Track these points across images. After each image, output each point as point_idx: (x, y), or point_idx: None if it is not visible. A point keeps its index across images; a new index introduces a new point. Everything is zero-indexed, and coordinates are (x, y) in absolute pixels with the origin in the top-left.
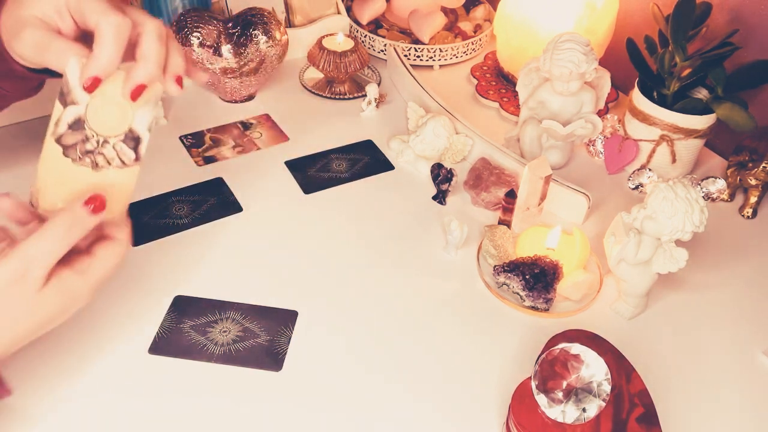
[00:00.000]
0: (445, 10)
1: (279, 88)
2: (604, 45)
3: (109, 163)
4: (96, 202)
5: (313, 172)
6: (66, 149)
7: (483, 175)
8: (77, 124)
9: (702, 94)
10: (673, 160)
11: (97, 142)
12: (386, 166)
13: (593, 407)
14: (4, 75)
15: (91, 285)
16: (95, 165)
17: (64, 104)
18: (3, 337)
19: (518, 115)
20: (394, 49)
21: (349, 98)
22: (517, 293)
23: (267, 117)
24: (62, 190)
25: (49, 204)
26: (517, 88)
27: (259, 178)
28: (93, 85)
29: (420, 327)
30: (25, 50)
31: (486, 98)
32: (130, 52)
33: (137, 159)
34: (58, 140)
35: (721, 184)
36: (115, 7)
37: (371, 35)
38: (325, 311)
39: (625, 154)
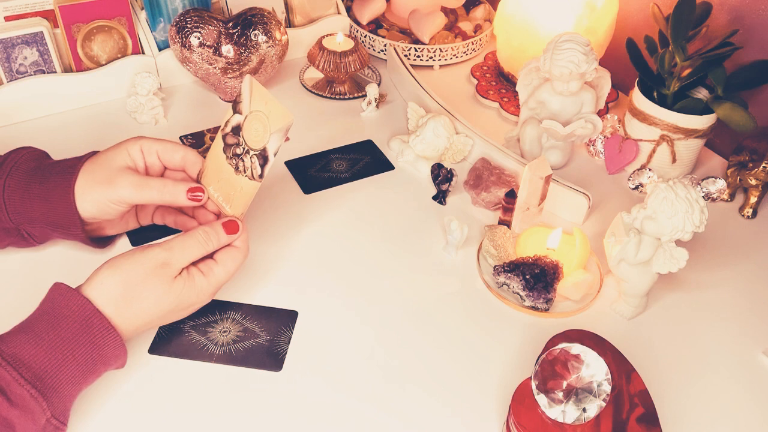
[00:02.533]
0: (445, 10)
1: (279, 88)
2: (604, 45)
3: (244, 172)
4: (232, 225)
5: (313, 172)
6: (225, 147)
7: (483, 175)
8: (236, 130)
9: (702, 94)
10: (674, 160)
11: (243, 149)
12: (386, 166)
13: (593, 407)
14: (61, 230)
15: (213, 285)
16: (237, 168)
17: (234, 111)
18: (146, 313)
19: (518, 115)
20: (394, 49)
21: (349, 98)
22: (518, 293)
23: None
24: (214, 177)
25: (206, 182)
26: (517, 88)
27: None
28: (197, 198)
29: (420, 327)
30: (124, 193)
31: (486, 98)
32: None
33: (261, 177)
34: (224, 138)
35: (721, 184)
36: (174, 143)
37: (371, 35)
38: (325, 311)
39: (625, 154)
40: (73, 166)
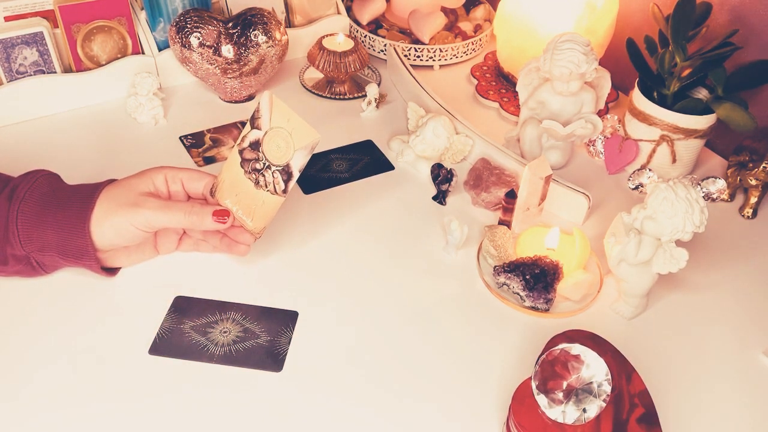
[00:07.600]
0: (445, 10)
1: (279, 88)
2: (604, 45)
3: (266, 186)
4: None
5: (313, 172)
6: (243, 161)
7: (483, 176)
8: (255, 145)
9: (702, 94)
10: (674, 160)
11: (264, 164)
12: (386, 166)
13: (593, 408)
14: (73, 260)
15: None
16: (257, 183)
17: (252, 126)
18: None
19: (518, 115)
20: (394, 49)
21: (349, 98)
22: (518, 293)
23: None
24: (232, 190)
25: (221, 196)
26: (517, 89)
27: None
28: (222, 221)
29: (420, 327)
30: (148, 215)
31: (486, 98)
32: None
33: (285, 192)
34: (241, 152)
35: (721, 184)
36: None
37: (371, 35)
38: (326, 311)
39: (626, 154)
40: (90, 194)
